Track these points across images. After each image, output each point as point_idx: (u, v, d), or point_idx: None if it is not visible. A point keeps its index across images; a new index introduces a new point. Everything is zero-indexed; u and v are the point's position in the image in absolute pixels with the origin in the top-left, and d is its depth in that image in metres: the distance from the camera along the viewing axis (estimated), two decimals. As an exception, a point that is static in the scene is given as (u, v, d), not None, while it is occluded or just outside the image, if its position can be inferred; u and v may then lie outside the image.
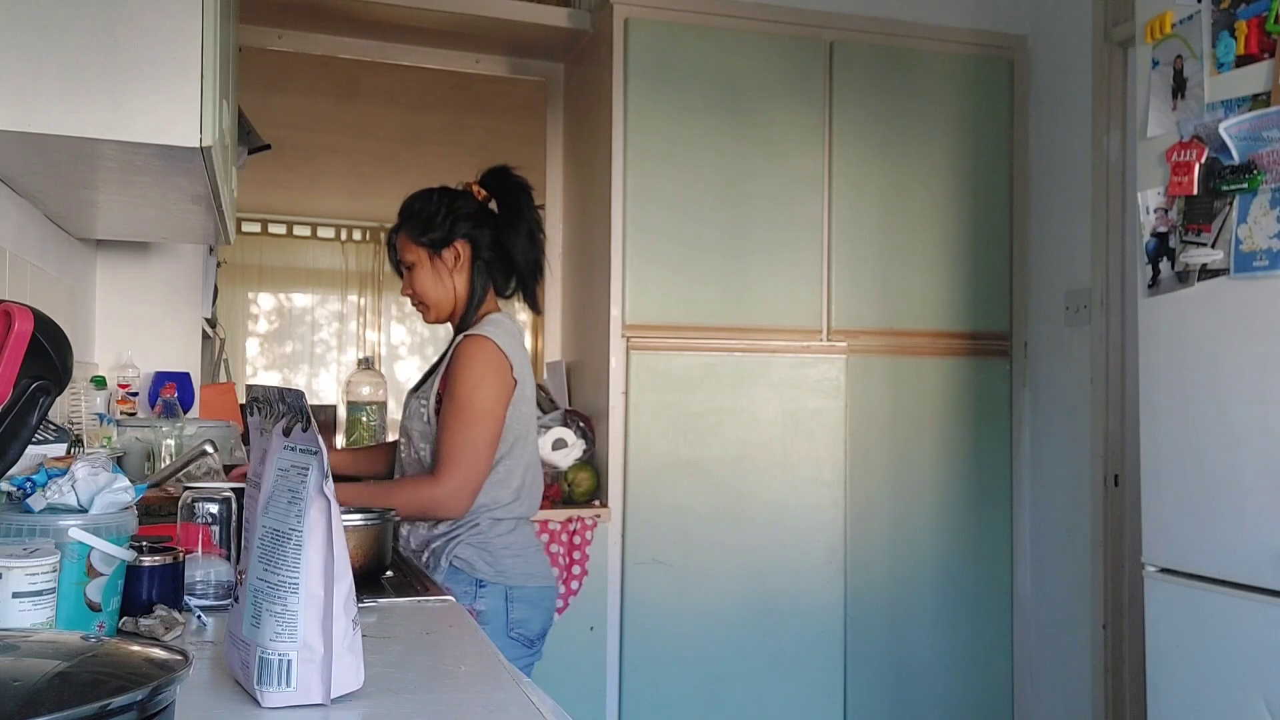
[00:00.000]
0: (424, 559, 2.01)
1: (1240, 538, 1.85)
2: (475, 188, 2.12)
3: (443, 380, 2.03)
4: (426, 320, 2.15)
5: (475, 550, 1.99)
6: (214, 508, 1.45)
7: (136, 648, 0.73)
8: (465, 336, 2.02)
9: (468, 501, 1.96)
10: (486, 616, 1.98)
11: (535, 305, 2.20)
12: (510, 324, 2.10)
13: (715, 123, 2.91)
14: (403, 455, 2.09)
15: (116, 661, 0.69)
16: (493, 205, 2.12)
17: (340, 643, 0.98)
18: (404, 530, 2.06)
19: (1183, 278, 1.98)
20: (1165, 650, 2.01)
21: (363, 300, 7.63)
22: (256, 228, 7.28)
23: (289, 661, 0.97)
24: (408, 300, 2.14)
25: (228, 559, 1.43)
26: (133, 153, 1.40)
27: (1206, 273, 1.93)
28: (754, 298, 2.93)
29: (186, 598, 1.34)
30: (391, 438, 2.53)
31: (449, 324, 2.13)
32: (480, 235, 2.09)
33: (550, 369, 3.30)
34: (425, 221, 2.10)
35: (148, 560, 1.28)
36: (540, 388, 3.30)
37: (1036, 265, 3.18)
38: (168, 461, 2.06)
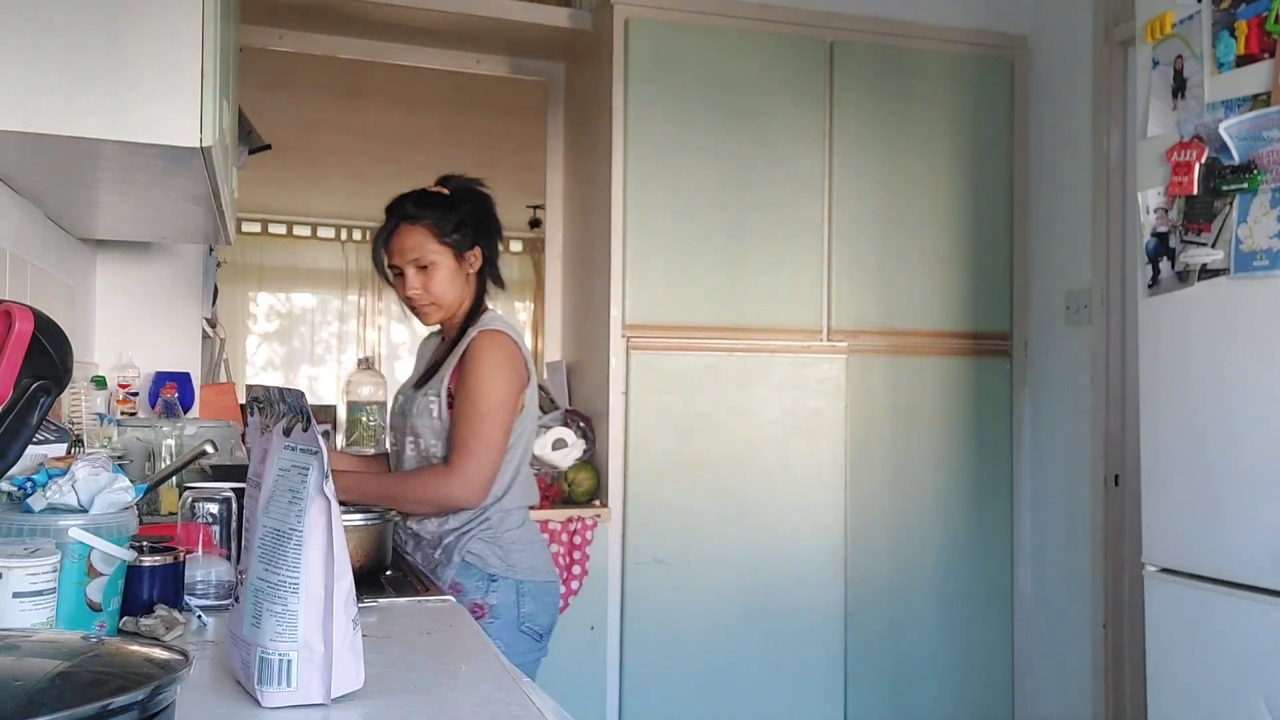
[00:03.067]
0: (436, 554, 2.02)
1: (1240, 538, 1.85)
2: (439, 189, 2.10)
3: (453, 375, 2.03)
4: (428, 322, 2.13)
5: (487, 545, 2.00)
6: (214, 508, 1.45)
7: (137, 648, 0.73)
8: (481, 332, 2.02)
9: (483, 492, 1.97)
10: (498, 610, 1.99)
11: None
12: (507, 320, 2.12)
13: (715, 123, 2.91)
14: (408, 454, 2.08)
15: (117, 661, 0.69)
16: None
17: (340, 642, 0.98)
18: (413, 524, 2.06)
19: (1183, 278, 1.98)
20: (1165, 650, 2.01)
21: (363, 300, 7.63)
22: (256, 228, 7.28)
23: (289, 661, 0.97)
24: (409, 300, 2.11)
25: (228, 559, 1.43)
26: (133, 153, 1.40)
27: (1206, 273, 1.93)
28: (754, 298, 2.93)
29: (187, 598, 1.34)
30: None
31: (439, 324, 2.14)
32: (486, 244, 2.10)
33: (550, 369, 3.30)
34: (455, 222, 2.07)
35: (148, 560, 1.28)
36: (540, 388, 3.30)
37: (1037, 265, 3.18)
38: (168, 461, 2.06)
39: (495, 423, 1.97)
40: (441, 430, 2.03)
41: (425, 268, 2.04)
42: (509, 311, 8.02)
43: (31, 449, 1.15)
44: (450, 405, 2.01)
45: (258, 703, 0.98)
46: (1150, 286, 2.07)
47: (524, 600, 2.01)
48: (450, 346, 2.07)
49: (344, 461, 2.26)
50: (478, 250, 2.08)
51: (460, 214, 2.08)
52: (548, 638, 2.07)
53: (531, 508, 2.11)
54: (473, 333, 2.02)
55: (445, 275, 2.05)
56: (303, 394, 1.02)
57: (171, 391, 2.47)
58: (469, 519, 2.01)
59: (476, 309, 2.10)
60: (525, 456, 2.10)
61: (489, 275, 2.12)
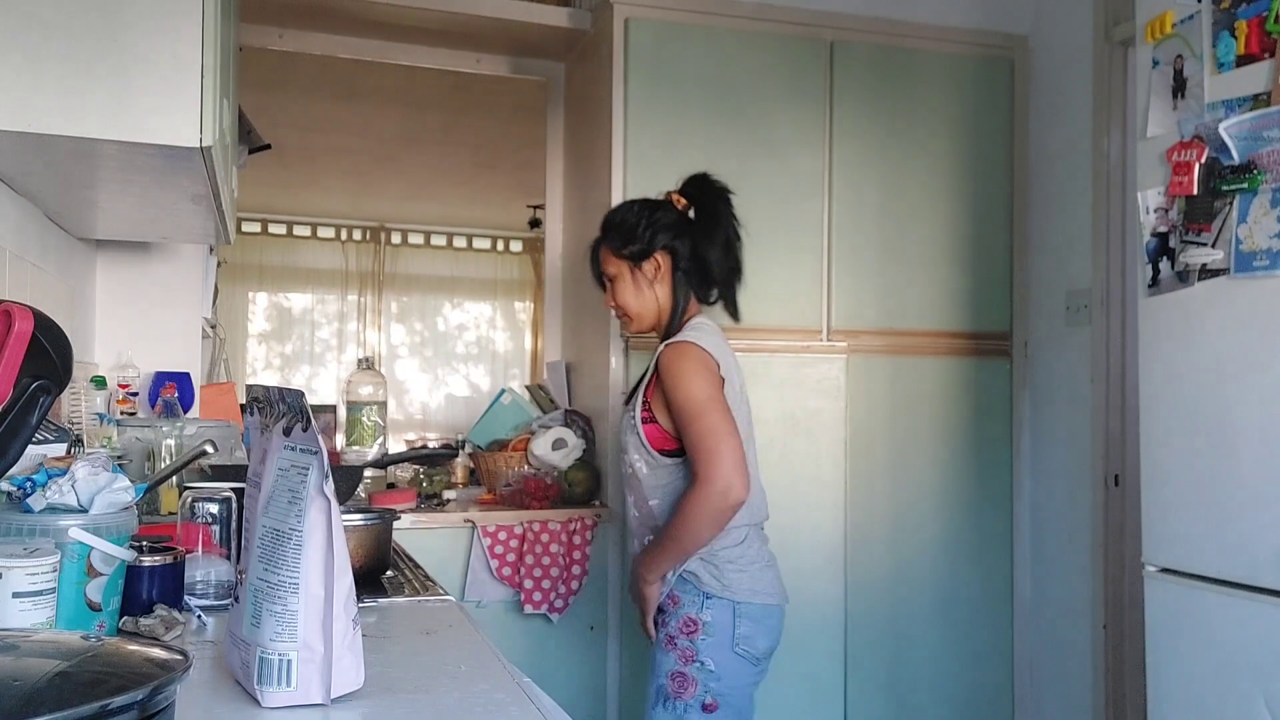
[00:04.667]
0: (667, 575, 2.04)
1: (1240, 538, 1.85)
2: (675, 196, 2.16)
3: (648, 390, 2.06)
4: (628, 330, 2.19)
5: (702, 562, 2.01)
6: (214, 507, 1.45)
7: (136, 647, 0.73)
8: (666, 345, 2.06)
9: (741, 477, 1.95)
10: (711, 628, 2.00)
11: (735, 312, 2.21)
12: (713, 326, 2.13)
13: (715, 123, 2.90)
14: (624, 469, 2.13)
15: (117, 661, 0.69)
16: (691, 213, 2.15)
17: (340, 642, 0.98)
18: (634, 544, 2.09)
19: (1183, 278, 1.98)
20: (1165, 650, 2.01)
21: (363, 300, 7.63)
22: (256, 228, 7.28)
23: (289, 661, 0.97)
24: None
25: (228, 559, 1.43)
26: (133, 153, 1.40)
27: (1206, 273, 1.93)
28: (754, 297, 2.90)
29: (187, 597, 1.34)
30: (393, 438, 2.54)
31: (654, 334, 2.19)
32: (680, 245, 2.12)
33: (550, 369, 3.30)
34: (626, 234, 2.15)
35: (148, 560, 1.28)
36: (540, 388, 3.30)
37: (1037, 265, 3.18)
38: (168, 461, 2.06)
39: (715, 414, 1.97)
40: (641, 446, 2.06)
41: (612, 280, 2.16)
42: (509, 312, 8.03)
43: (31, 449, 1.15)
44: (646, 420, 2.05)
45: (258, 703, 0.98)
46: (1150, 286, 2.06)
47: (740, 621, 2.00)
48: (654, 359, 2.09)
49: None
50: (656, 259, 2.12)
51: (630, 225, 2.15)
52: (766, 661, 2.05)
53: (754, 524, 2.07)
54: (660, 348, 2.06)
55: (625, 287, 2.15)
56: (303, 394, 1.02)
57: (171, 391, 2.46)
58: None
59: (677, 317, 2.13)
60: (751, 464, 2.06)
61: (693, 278, 2.14)
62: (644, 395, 2.07)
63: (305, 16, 2.98)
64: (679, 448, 2.02)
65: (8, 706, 0.58)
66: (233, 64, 2.01)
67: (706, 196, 2.17)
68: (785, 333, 2.94)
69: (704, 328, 2.11)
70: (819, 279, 2.98)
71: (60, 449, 1.38)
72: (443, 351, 7.88)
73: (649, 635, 2.10)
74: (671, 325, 2.14)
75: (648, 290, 2.15)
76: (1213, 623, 1.90)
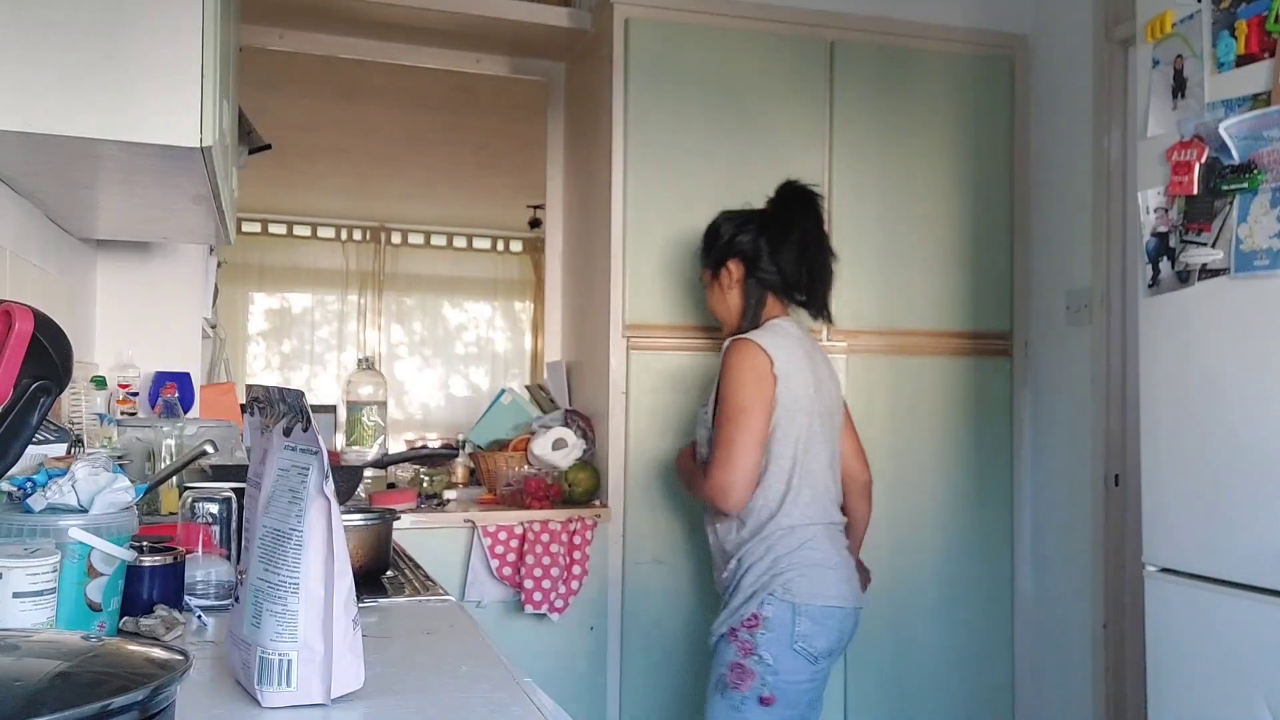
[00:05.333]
0: (730, 564, 2.14)
1: (1240, 538, 1.85)
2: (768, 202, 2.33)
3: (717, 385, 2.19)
4: (723, 333, 2.32)
5: (765, 564, 2.08)
6: (214, 508, 1.45)
7: (137, 648, 0.73)
8: (731, 342, 2.18)
9: (735, 496, 2.08)
10: (770, 624, 2.05)
11: (819, 314, 2.31)
12: (789, 328, 2.22)
13: (715, 123, 2.90)
14: (699, 461, 2.30)
15: (117, 661, 0.69)
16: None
17: (340, 643, 0.98)
18: (715, 535, 2.23)
19: (1183, 277, 1.98)
20: (1165, 650, 2.01)
21: (363, 300, 7.63)
22: (256, 228, 7.27)
23: (289, 661, 0.97)
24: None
25: (228, 559, 1.43)
26: (133, 153, 1.40)
27: (1206, 272, 1.93)
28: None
29: (187, 598, 1.34)
30: (393, 438, 2.56)
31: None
32: (753, 252, 2.26)
33: (550, 369, 3.30)
34: (707, 244, 2.37)
35: (148, 560, 1.28)
36: (540, 388, 3.30)
37: (1037, 265, 3.18)
38: (168, 461, 2.06)
39: (736, 428, 2.08)
40: (709, 440, 2.18)
41: (706, 287, 2.39)
42: (509, 312, 8.03)
43: (31, 449, 1.15)
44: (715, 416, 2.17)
45: (258, 703, 0.98)
46: (1150, 286, 2.06)
47: (800, 620, 2.05)
48: None
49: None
50: (729, 266, 2.29)
51: (709, 236, 2.36)
52: (827, 660, 2.10)
53: (812, 524, 2.13)
54: (725, 345, 2.19)
55: (711, 293, 2.36)
56: (303, 394, 1.02)
57: (171, 391, 2.46)
58: (750, 534, 2.12)
59: (748, 320, 2.26)
60: (801, 469, 2.14)
61: (771, 282, 2.26)
62: (713, 394, 2.18)
63: (305, 16, 2.98)
64: None
65: (8, 707, 0.58)
66: (233, 64, 2.01)
67: (782, 202, 2.31)
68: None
69: (776, 327, 2.21)
70: (819, 279, 2.98)
71: (60, 449, 1.38)
72: (443, 351, 7.88)
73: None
74: (741, 327, 2.26)
75: (724, 296, 2.31)
76: (1213, 623, 1.90)
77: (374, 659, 1.07)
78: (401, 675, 1.11)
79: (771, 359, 2.11)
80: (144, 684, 0.63)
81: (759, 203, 2.92)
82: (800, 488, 2.12)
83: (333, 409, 4.23)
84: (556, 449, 2.85)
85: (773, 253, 2.25)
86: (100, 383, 2.31)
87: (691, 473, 2.30)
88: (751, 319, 2.25)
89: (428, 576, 1.73)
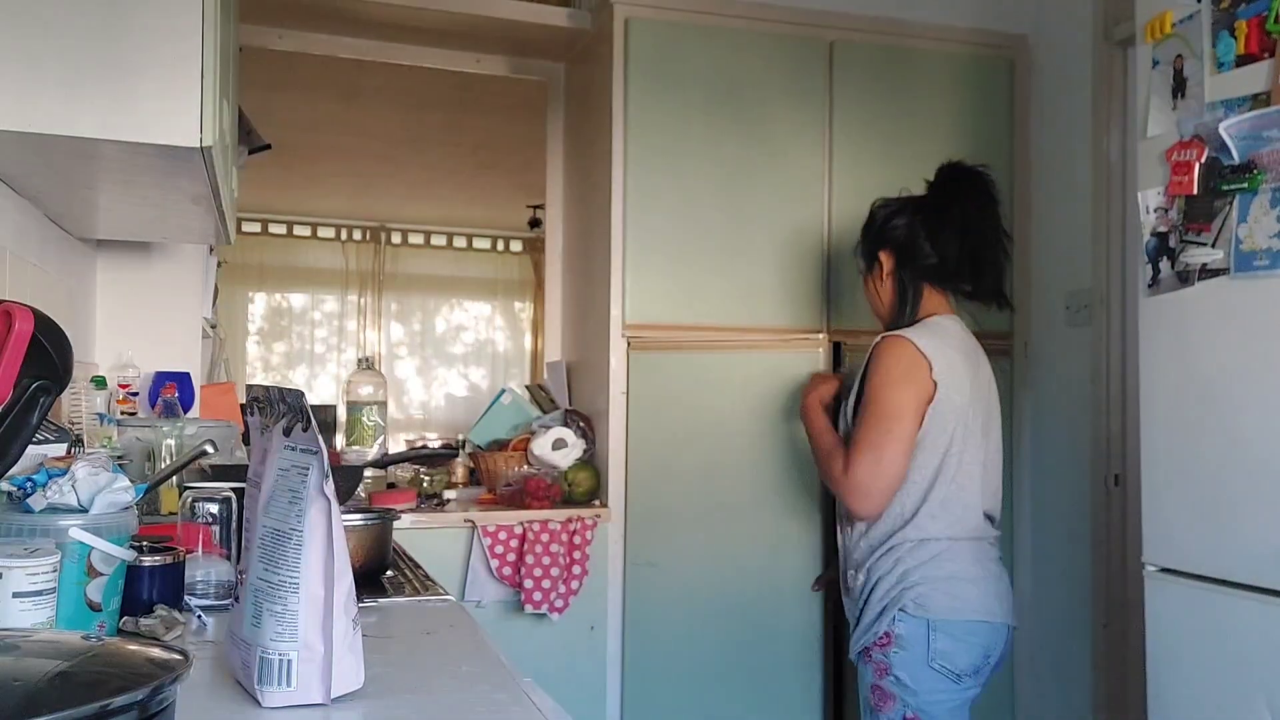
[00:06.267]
0: (859, 574, 2.04)
1: (1240, 537, 1.85)
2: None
3: (862, 380, 2.05)
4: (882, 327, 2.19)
5: (894, 577, 1.97)
6: (214, 508, 1.45)
7: (137, 648, 0.73)
8: (882, 338, 2.05)
9: (873, 503, 1.96)
10: (904, 642, 1.94)
11: (989, 301, 2.18)
12: (950, 326, 2.09)
13: (715, 123, 2.90)
14: None
15: (117, 661, 0.69)
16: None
17: (340, 643, 0.98)
18: (844, 540, 2.12)
19: (1183, 278, 1.98)
20: (1165, 650, 2.01)
21: (363, 300, 7.63)
22: (256, 228, 7.28)
23: (289, 661, 0.97)
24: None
25: (228, 559, 1.43)
26: (133, 153, 1.40)
27: (1206, 272, 1.93)
28: (754, 297, 2.93)
29: (187, 598, 1.34)
30: (393, 438, 2.55)
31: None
32: (906, 241, 2.13)
33: (550, 369, 3.30)
34: (862, 234, 2.25)
35: (148, 560, 1.28)
36: (540, 388, 3.30)
37: (1037, 265, 3.18)
38: (168, 461, 2.06)
39: (884, 431, 1.95)
40: (846, 432, 2.08)
41: (864, 277, 2.25)
42: (509, 312, 8.03)
43: (31, 449, 1.15)
44: (857, 411, 2.04)
45: (258, 703, 0.98)
46: (1150, 286, 2.06)
47: (935, 636, 1.93)
48: None
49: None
50: (881, 257, 2.17)
51: (869, 226, 2.23)
52: (974, 678, 1.97)
53: (946, 538, 2.00)
54: (877, 340, 2.05)
55: (867, 284, 2.24)
56: (303, 394, 1.02)
57: (171, 391, 2.46)
58: (876, 544, 2.01)
59: (901, 313, 2.13)
60: (945, 480, 2.00)
61: (930, 273, 2.13)
62: (857, 389, 2.06)
63: (305, 17, 2.98)
64: None
65: (8, 707, 0.58)
66: (233, 64, 2.00)
67: (940, 183, 2.18)
68: (785, 332, 2.94)
69: (935, 326, 2.07)
70: (819, 279, 2.98)
71: (60, 449, 1.38)
72: (442, 351, 7.88)
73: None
74: (898, 322, 2.12)
75: (879, 288, 2.20)
76: (1213, 622, 1.90)
77: (374, 659, 1.07)
78: (401, 675, 1.11)
79: (930, 362, 1.97)
80: (144, 684, 0.63)
81: (760, 201, 2.94)
82: (940, 500, 1.99)
83: (333, 409, 4.23)
84: (556, 449, 2.85)
85: (930, 237, 2.10)
86: (100, 383, 2.31)
87: (829, 450, 2.09)
88: (910, 314, 2.11)
89: (428, 576, 1.73)
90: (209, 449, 1.64)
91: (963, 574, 1.98)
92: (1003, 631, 2.01)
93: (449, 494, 2.88)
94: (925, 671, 1.93)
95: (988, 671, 2.01)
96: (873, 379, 2.01)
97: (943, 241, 2.10)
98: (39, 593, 1.01)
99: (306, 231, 7.52)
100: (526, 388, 3.49)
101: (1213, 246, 1.91)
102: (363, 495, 2.67)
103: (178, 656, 0.70)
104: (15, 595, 0.99)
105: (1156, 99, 2.05)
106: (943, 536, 1.99)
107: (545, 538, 2.69)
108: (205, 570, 1.41)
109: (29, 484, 1.13)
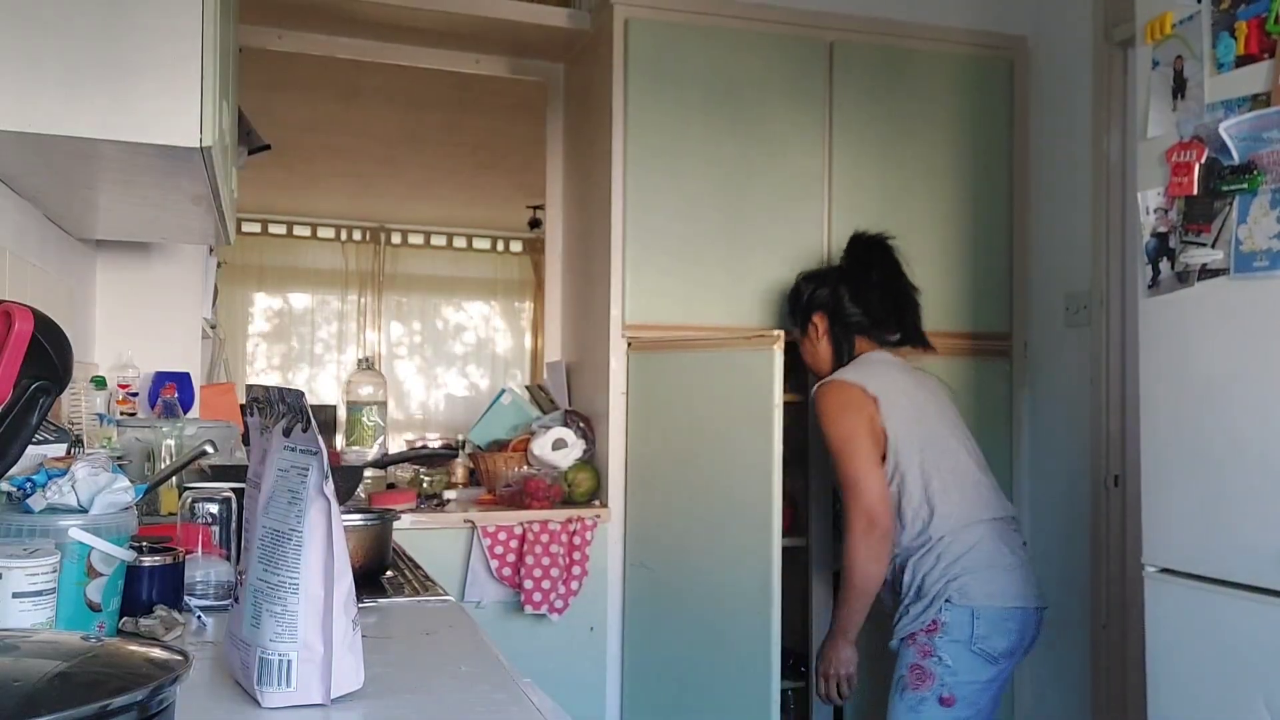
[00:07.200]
0: (905, 578, 2.23)
1: (1240, 538, 1.85)
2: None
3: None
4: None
5: (936, 571, 2.17)
6: (214, 508, 1.45)
7: (136, 648, 0.73)
8: (817, 387, 2.36)
9: (882, 509, 2.19)
10: (949, 629, 2.14)
11: (915, 341, 2.52)
12: (877, 357, 2.41)
13: (715, 123, 2.90)
14: None
15: (116, 662, 0.69)
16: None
17: (340, 643, 0.98)
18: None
19: (1183, 278, 1.98)
20: (1165, 650, 2.01)
21: (363, 300, 7.63)
22: (256, 228, 7.27)
23: (289, 662, 0.97)
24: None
25: (228, 559, 1.43)
26: (133, 153, 1.40)
27: (1206, 273, 1.93)
28: (754, 298, 2.93)
29: (186, 598, 1.34)
30: (393, 438, 2.57)
31: None
32: (834, 303, 2.46)
33: (550, 369, 3.30)
34: (791, 307, 2.62)
35: (148, 560, 1.28)
36: (540, 388, 3.30)
37: (1036, 266, 3.18)
38: (168, 461, 2.06)
39: (849, 457, 2.23)
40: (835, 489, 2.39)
41: (799, 344, 2.57)
42: (509, 312, 8.03)
43: (31, 449, 1.15)
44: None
45: (257, 703, 0.98)
46: (1150, 287, 2.06)
47: (978, 623, 2.13)
48: None
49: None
50: (815, 320, 2.51)
51: (797, 298, 2.57)
52: (1008, 660, 2.17)
53: (977, 521, 2.21)
54: (812, 391, 2.38)
55: (803, 347, 2.57)
56: (302, 394, 1.02)
57: (171, 391, 2.46)
58: (912, 543, 2.21)
59: (841, 361, 2.44)
60: (938, 469, 2.24)
61: (858, 325, 2.46)
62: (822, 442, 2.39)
63: (305, 17, 2.98)
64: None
65: (8, 707, 0.58)
66: (233, 64, 2.00)
67: (855, 251, 2.55)
68: (786, 333, 2.94)
69: (862, 360, 2.39)
70: (819, 279, 2.98)
71: (60, 449, 1.38)
72: (442, 351, 7.88)
73: (832, 699, 2.33)
74: (835, 370, 2.40)
75: (817, 347, 2.51)
76: (1212, 623, 1.90)
77: (374, 659, 1.07)
78: (401, 675, 1.11)
79: (861, 385, 2.26)
80: (143, 684, 0.63)
81: (760, 201, 2.94)
82: (944, 488, 2.20)
83: (333, 409, 4.23)
84: (556, 449, 2.85)
85: (854, 297, 2.43)
86: (100, 383, 2.31)
87: (860, 592, 2.26)
88: (844, 360, 2.42)
89: (427, 577, 1.73)
90: (209, 449, 1.64)
91: (999, 561, 2.18)
92: (1036, 616, 2.22)
93: (449, 494, 2.88)
94: (966, 654, 2.12)
95: (1021, 653, 2.20)
96: (821, 427, 2.30)
97: (865, 300, 2.45)
98: (39, 593, 1.01)
99: (306, 232, 7.52)
100: (526, 388, 3.49)
101: (1212, 247, 1.91)
102: (362, 495, 2.67)
103: (177, 657, 0.70)
104: (15, 595, 0.99)
105: (1156, 100, 2.05)
106: (969, 521, 2.18)
107: (545, 538, 2.69)
108: (205, 571, 1.41)
109: (29, 484, 1.13)
